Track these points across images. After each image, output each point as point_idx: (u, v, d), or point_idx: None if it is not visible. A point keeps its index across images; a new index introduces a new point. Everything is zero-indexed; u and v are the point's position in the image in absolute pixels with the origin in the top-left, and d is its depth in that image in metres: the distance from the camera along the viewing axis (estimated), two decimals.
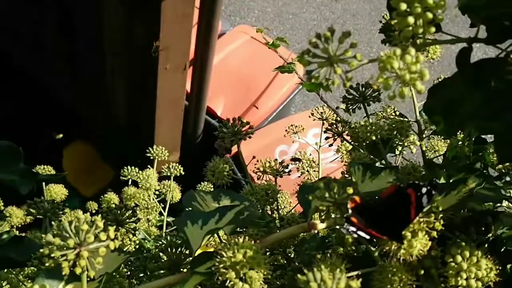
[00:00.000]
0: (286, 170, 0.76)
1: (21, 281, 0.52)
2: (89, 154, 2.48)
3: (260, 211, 0.66)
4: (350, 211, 0.46)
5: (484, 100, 0.41)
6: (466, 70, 0.42)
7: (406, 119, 0.70)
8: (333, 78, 0.40)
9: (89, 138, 2.48)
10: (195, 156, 2.30)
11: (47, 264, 0.37)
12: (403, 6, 0.39)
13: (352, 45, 0.40)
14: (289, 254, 0.66)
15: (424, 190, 0.47)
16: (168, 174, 1.10)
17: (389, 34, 0.45)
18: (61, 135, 2.36)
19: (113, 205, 1.08)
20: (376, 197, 0.51)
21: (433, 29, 0.39)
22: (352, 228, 0.45)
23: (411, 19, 0.39)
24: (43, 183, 1.05)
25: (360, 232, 0.45)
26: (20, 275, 0.55)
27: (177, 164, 1.13)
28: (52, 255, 0.37)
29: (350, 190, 0.46)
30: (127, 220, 0.66)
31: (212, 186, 1.12)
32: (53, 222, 0.76)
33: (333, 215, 0.50)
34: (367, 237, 0.45)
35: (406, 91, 0.38)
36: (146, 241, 1.05)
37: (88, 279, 0.43)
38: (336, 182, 0.47)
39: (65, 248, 0.38)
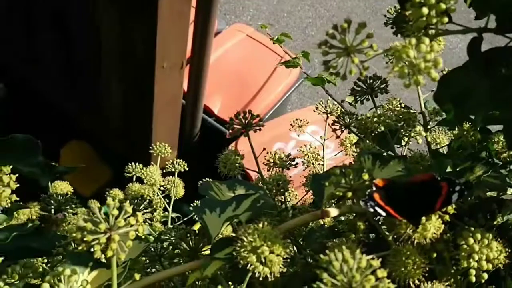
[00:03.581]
0: (293, 163, 0.77)
1: (46, 270, 0.53)
2: (87, 153, 2.48)
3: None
4: (374, 188, 0.48)
5: (493, 88, 0.42)
6: (476, 59, 0.44)
7: (412, 110, 0.72)
8: (350, 68, 0.42)
9: (86, 138, 2.48)
10: (193, 154, 2.31)
11: (79, 248, 0.39)
12: None
13: (369, 36, 0.41)
14: (299, 244, 0.67)
15: (457, 188, 0.49)
16: (173, 170, 1.11)
17: (401, 26, 0.47)
18: None
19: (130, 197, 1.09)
20: (404, 182, 0.53)
21: (446, 19, 0.41)
22: (371, 203, 0.47)
23: (425, 10, 0.41)
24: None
25: (377, 208, 0.47)
26: (45, 265, 0.56)
27: (181, 160, 1.14)
28: (85, 239, 0.39)
29: (366, 176, 0.48)
30: (144, 210, 0.68)
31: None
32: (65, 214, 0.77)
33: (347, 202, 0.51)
34: (383, 214, 0.47)
35: (420, 79, 0.40)
36: (151, 236, 1.06)
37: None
38: (351, 169, 0.49)
39: (96, 233, 0.39)
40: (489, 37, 0.48)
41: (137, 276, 0.44)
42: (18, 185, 0.52)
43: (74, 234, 0.39)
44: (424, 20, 0.41)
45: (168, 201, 1.13)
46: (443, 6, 0.40)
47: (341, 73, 0.42)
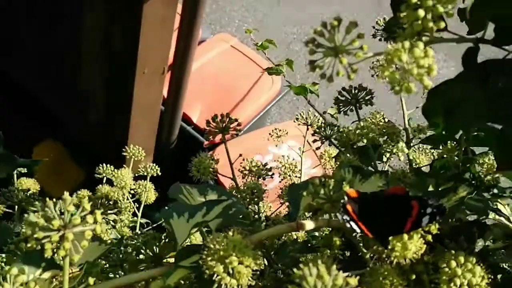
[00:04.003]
0: (270, 173, 0.74)
1: None
2: (60, 153, 2.43)
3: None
4: (346, 199, 0.45)
5: (489, 100, 0.40)
6: (471, 70, 0.41)
7: (396, 125, 0.69)
8: (337, 69, 0.39)
9: (61, 137, 2.43)
10: (168, 161, 2.27)
11: (28, 245, 0.35)
12: None
13: (359, 36, 0.39)
14: (271, 257, 0.64)
15: (429, 210, 0.46)
16: (145, 173, 1.08)
17: (393, 31, 0.44)
18: None
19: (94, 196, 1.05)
20: (376, 195, 0.49)
21: (442, 24, 0.38)
22: (346, 217, 0.43)
23: (421, 12, 0.38)
24: (15, 177, 1.02)
25: (352, 223, 0.43)
26: None
27: (154, 165, 1.11)
28: (35, 236, 0.35)
29: (347, 187, 0.45)
30: (108, 211, 0.64)
31: None
32: (26, 214, 0.73)
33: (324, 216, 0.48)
34: (358, 230, 0.44)
35: (412, 87, 0.37)
36: (116, 240, 1.02)
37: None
38: (331, 180, 0.46)
39: (49, 230, 0.35)
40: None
41: (91, 280, 0.40)
42: None
43: (24, 230, 0.35)
44: (420, 23, 0.39)
45: (138, 205, 1.10)
46: (441, 9, 0.38)
47: (327, 75, 0.39)
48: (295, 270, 0.35)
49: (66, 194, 0.36)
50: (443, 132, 0.46)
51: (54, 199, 0.37)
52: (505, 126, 0.39)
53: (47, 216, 0.36)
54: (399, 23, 0.41)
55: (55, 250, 0.36)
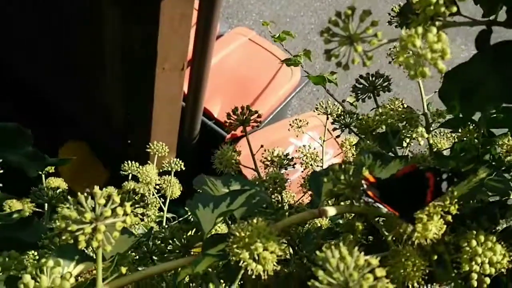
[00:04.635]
0: (291, 163, 0.75)
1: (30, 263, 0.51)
2: (85, 153, 2.47)
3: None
4: (365, 186, 0.46)
5: (504, 81, 0.40)
6: (485, 53, 0.42)
7: (414, 111, 0.70)
8: (353, 57, 0.40)
9: (85, 137, 2.47)
10: (191, 157, 2.29)
11: (63, 238, 0.37)
12: None
13: (373, 24, 0.39)
14: (295, 245, 0.65)
15: (444, 176, 0.47)
16: (169, 169, 1.10)
17: (405, 17, 0.45)
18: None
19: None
20: (390, 178, 0.50)
21: (454, 8, 0.39)
22: (371, 200, 0.45)
23: None
24: (43, 177, 1.05)
25: (378, 204, 0.45)
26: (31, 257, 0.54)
27: (178, 160, 1.13)
28: (69, 228, 0.37)
29: (366, 172, 0.46)
30: (136, 205, 0.66)
31: None
32: (56, 212, 0.76)
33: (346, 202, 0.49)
34: (385, 209, 0.45)
35: (427, 71, 0.38)
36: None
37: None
38: (351, 165, 0.47)
39: (81, 222, 0.37)
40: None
41: (123, 270, 0.42)
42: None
43: (58, 224, 0.37)
44: (432, 9, 0.39)
45: (163, 200, 1.12)
46: None
47: (343, 63, 0.40)
48: (317, 252, 0.36)
49: (97, 188, 0.38)
50: (460, 115, 0.47)
51: (85, 194, 0.39)
52: None
53: (80, 209, 0.38)
54: (412, 9, 0.42)
55: (88, 242, 0.37)
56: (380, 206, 0.45)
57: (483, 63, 0.42)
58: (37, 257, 0.50)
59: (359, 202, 0.46)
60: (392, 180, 0.50)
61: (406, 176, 0.49)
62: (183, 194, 1.15)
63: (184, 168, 1.12)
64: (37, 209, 0.96)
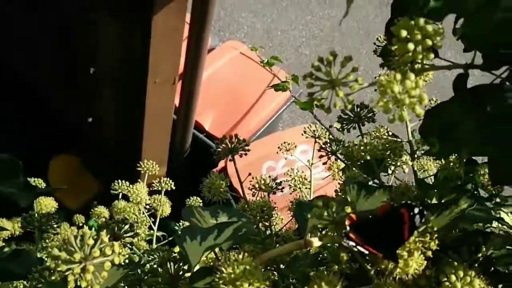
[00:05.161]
0: (280, 187, 0.77)
1: None
2: (75, 166, 2.47)
3: (255, 227, 0.67)
4: (347, 227, 0.47)
5: (479, 125, 0.42)
6: (462, 95, 0.44)
7: (399, 139, 0.71)
8: (335, 101, 0.41)
9: (76, 151, 2.47)
10: (182, 170, 2.30)
11: (53, 278, 0.38)
12: (404, 33, 0.40)
13: (354, 69, 0.41)
14: (282, 271, 0.66)
15: (416, 210, 0.48)
16: (159, 188, 1.10)
17: (387, 59, 0.47)
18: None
19: (103, 219, 1.09)
20: (371, 216, 0.52)
21: (432, 55, 0.41)
22: (352, 243, 0.46)
23: (411, 45, 0.40)
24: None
25: (359, 248, 0.46)
26: None
27: (168, 179, 1.14)
28: (59, 269, 0.38)
29: (349, 209, 0.48)
30: (125, 235, 0.67)
31: (200, 201, 1.13)
32: (46, 235, 0.77)
33: (329, 233, 0.50)
34: (366, 252, 0.46)
35: (405, 115, 0.40)
36: (135, 255, 1.05)
37: None
38: (334, 201, 0.48)
39: (71, 262, 0.38)
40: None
41: None
42: None
43: (48, 263, 0.38)
44: (410, 55, 0.41)
45: (153, 220, 1.13)
46: (429, 42, 0.40)
47: (325, 106, 0.41)
48: None
49: (86, 229, 0.39)
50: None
51: (71, 231, 0.40)
52: (495, 151, 0.41)
53: (69, 249, 0.39)
54: (392, 53, 0.44)
55: (77, 281, 0.39)
56: (362, 249, 0.46)
57: (459, 106, 0.44)
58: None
59: (342, 240, 0.47)
60: (373, 219, 0.51)
61: (385, 215, 0.51)
62: (175, 207, 1.15)
63: (174, 188, 1.13)
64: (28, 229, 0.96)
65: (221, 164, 2.11)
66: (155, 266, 0.59)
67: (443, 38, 0.41)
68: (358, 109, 0.71)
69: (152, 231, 1.13)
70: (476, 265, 0.54)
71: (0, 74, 2.45)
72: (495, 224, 0.65)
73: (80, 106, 2.21)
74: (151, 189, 1.16)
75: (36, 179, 1.12)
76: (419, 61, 0.42)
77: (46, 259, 0.51)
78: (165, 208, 1.14)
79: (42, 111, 2.42)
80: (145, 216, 1.11)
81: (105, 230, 0.39)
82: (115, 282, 0.50)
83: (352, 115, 0.71)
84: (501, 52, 0.42)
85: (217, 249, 0.62)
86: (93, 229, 0.51)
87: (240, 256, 0.46)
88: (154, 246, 1.07)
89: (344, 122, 0.72)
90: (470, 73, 0.45)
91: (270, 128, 2.53)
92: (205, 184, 0.69)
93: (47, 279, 0.53)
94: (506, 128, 0.41)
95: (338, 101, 0.41)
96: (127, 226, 0.68)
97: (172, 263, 0.57)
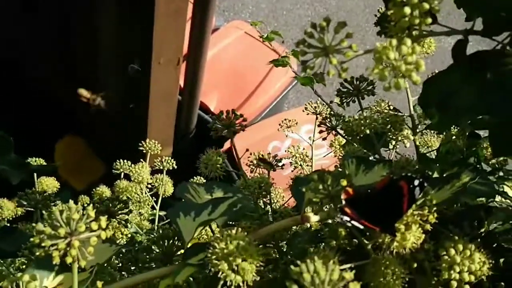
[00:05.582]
0: (279, 164, 0.75)
1: (12, 273, 0.51)
2: (81, 148, 2.47)
3: (253, 204, 0.66)
4: (343, 202, 0.46)
5: (479, 93, 0.40)
6: (462, 63, 0.42)
7: (400, 113, 0.70)
8: (328, 69, 0.40)
9: (81, 133, 2.47)
10: (188, 151, 2.29)
11: (37, 254, 0.37)
12: None
13: (348, 35, 0.39)
14: (282, 248, 0.65)
15: (416, 182, 0.47)
16: (161, 167, 1.10)
17: (384, 26, 0.45)
18: None
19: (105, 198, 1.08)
20: (369, 190, 0.50)
21: (429, 20, 0.39)
22: (347, 218, 0.45)
23: (407, 9, 0.39)
24: (35, 176, 1.05)
25: (354, 222, 0.45)
26: (11, 268, 0.54)
27: (170, 158, 1.13)
28: (43, 244, 0.37)
29: (344, 182, 0.46)
30: (119, 212, 0.66)
31: (204, 180, 1.12)
32: (44, 214, 0.76)
33: (326, 208, 0.49)
34: (361, 227, 0.45)
35: (401, 82, 0.38)
36: (138, 234, 1.05)
37: (79, 269, 0.42)
38: (330, 175, 0.47)
39: (56, 238, 0.37)
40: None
41: (99, 284, 0.42)
42: None
43: (32, 240, 0.37)
44: (407, 20, 0.39)
45: (156, 199, 1.12)
46: (426, 6, 0.38)
47: (318, 74, 0.40)
48: (292, 267, 0.36)
49: (71, 203, 0.38)
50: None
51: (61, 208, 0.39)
52: (495, 120, 0.39)
53: (54, 224, 0.38)
54: (389, 18, 0.42)
55: (62, 256, 0.37)
56: (357, 224, 0.45)
57: (459, 74, 0.42)
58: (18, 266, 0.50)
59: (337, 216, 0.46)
60: (370, 194, 0.50)
61: (384, 188, 0.49)
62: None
63: (175, 167, 1.12)
64: (30, 209, 0.96)
65: (227, 144, 2.11)
66: (149, 243, 0.58)
67: (441, 2, 0.39)
68: (358, 82, 0.69)
69: (155, 211, 1.13)
70: (478, 240, 0.53)
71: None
72: (498, 198, 0.63)
73: (84, 88, 2.20)
74: (154, 168, 1.15)
75: (37, 158, 1.12)
76: (416, 27, 0.40)
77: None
78: (168, 187, 1.13)
79: (47, 95, 2.41)
80: (147, 195, 1.11)
81: (91, 205, 0.38)
82: (107, 258, 0.49)
83: (351, 88, 0.69)
84: (502, 17, 0.40)
85: (214, 227, 0.62)
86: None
87: (233, 231, 0.45)
88: (157, 225, 1.07)
89: (343, 95, 0.70)
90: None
91: (276, 108, 2.51)
92: (202, 160, 0.67)
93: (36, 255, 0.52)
94: (507, 95, 0.39)
95: (331, 69, 0.39)
96: (121, 204, 0.67)
97: (166, 240, 0.56)
